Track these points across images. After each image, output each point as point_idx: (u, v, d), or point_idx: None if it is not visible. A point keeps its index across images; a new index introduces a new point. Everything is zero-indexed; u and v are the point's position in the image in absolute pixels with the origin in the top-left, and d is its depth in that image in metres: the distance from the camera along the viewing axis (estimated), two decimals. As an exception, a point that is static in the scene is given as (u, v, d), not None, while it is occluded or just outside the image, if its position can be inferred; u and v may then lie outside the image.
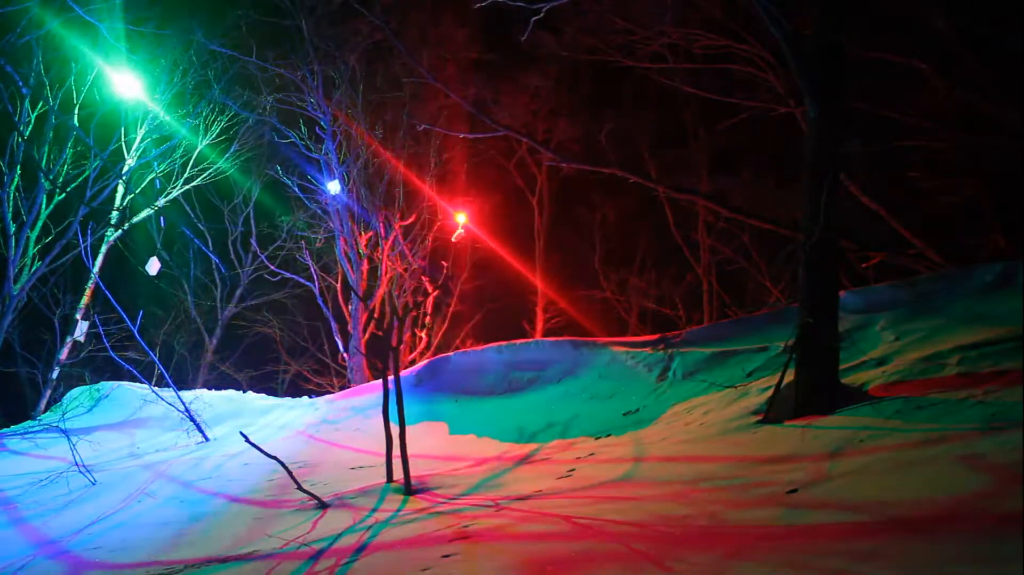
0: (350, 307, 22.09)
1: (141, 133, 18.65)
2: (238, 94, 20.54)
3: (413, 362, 21.01)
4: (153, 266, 16.00)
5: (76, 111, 17.34)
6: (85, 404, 15.58)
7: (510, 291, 27.23)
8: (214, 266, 26.15)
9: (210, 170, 20.61)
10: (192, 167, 20.06)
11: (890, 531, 3.81)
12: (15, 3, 11.82)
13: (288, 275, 24.53)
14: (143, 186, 19.53)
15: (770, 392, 7.40)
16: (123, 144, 18.53)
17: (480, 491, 7.25)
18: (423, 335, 24.14)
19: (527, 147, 25.45)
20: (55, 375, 18.25)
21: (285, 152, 21.83)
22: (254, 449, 8.13)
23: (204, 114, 19.70)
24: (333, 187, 20.81)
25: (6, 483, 10.53)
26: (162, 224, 21.56)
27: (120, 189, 18.79)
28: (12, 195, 16.79)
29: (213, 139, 20.09)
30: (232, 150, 21.00)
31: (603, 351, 11.53)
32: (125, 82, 14.80)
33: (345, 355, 22.14)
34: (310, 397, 15.54)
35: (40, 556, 7.03)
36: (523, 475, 7.68)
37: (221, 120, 20.05)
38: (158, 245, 23.83)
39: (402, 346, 13.37)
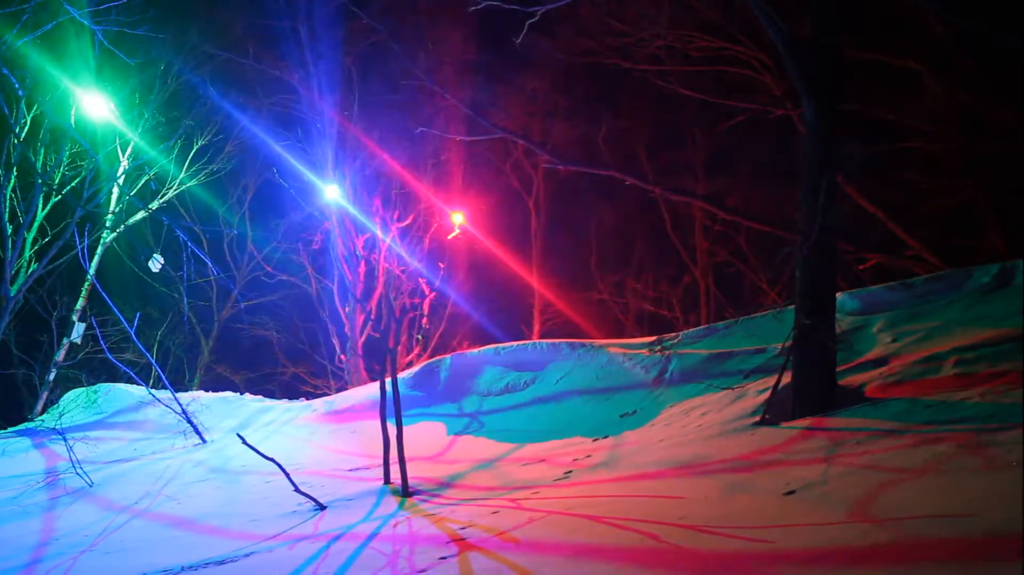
0: (347, 309, 22.05)
1: (136, 135, 18.64)
2: (234, 96, 20.56)
3: (410, 364, 20.98)
4: (156, 264, 16.06)
5: (72, 113, 17.31)
6: (82, 406, 15.55)
7: (507, 293, 27.24)
8: (209, 268, 26.10)
9: (204, 171, 20.64)
10: (187, 169, 20.08)
11: (888, 533, 3.81)
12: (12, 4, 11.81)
13: (285, 276, 24.47)
14: (139, 186, 19.54)
15: (767, 394, 7.40)
16: (118, 146, 18.53)
17: (477, 493, 7.25)
18: (419, 338, 24.10)
19: (523, 149, 25.46)
20: (52, 377, 18.20)
21: (281, 153, 21.81)
22: (251, 451, 8.12)
23: (199, 116, 19.74)
24: (331, 192, 20.78)
25: (4, 484, 10.51)
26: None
27: (115, 191, 18.78)
28: (9, 197, 16.76)
29: (208, 139, 20.12)
30: (225, 151, 21.04)
31: (600, 353, 11.52)
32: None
33: (342, 357, 22.10)
34: (307, 399, 15.52)
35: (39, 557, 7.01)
36: (520, 477, 7.68)
37: (216, 122, 20.11)
38: (157, 251, 23.78)
39: (399, 348, 13.36)
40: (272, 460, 7.98)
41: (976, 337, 7.31)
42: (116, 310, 13.78)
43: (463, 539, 5.30)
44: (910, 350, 7.83)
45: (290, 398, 16.41)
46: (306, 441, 11.78)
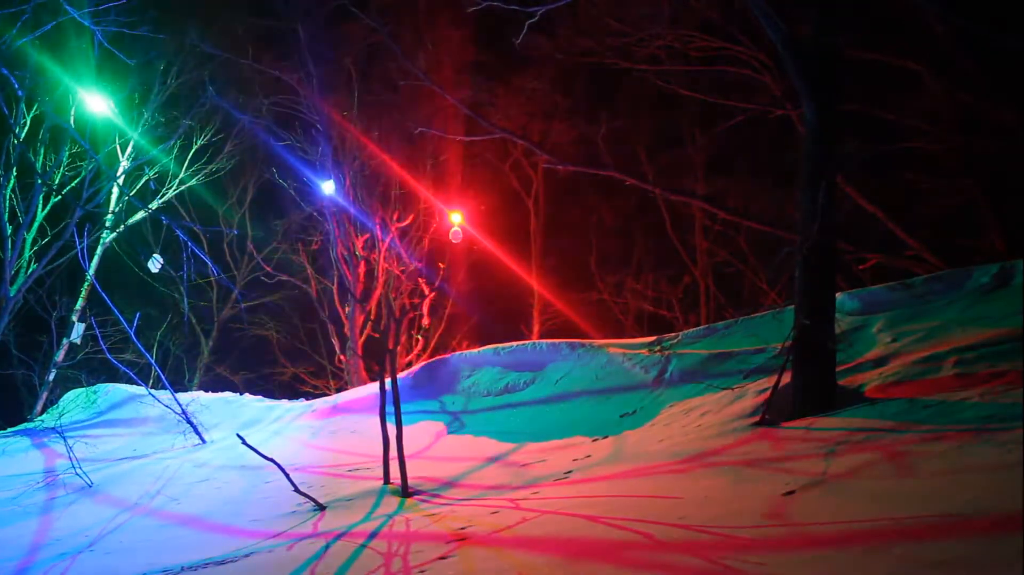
0: (347, 309, 22.06)
1: (135, 136, 18.67)
2: (233, 96, 20.58)
3: (410, 364, 20.97)
4: (156, 264, 16.10)
5: (72, 113, 17.32)
6: (82, 406, 15.55)
7: (507, 293, 27.20)
8: (209, 268, 26.06)
9: (203, 171, 20.67)
10: (186, 169, 20.11)
11: (887, 533, 3.81)
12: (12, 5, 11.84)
13: (285, 276, 24.48)
14: (139, 187, 19.57)
15: (767, 394, 7.40)
16: (117, 147, 18.55)
17: (477, 492, 7.24)
18: (419, 337, 24.10)
19: (523, 149, 25.43)
20: (51, 377, 18.21)
21: (280, 154, 21.83)
22: (251, 451, 8.12)
23: (199, 116, 19.76)
24: (328, 187, 20.83)
25: (4, 484, 10.51)
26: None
27: (115, 191, 18.80)
28: (8, 197, 16.78)
29: (207, 139, 20.15)
30: (225, 151, 21.08)
31: (600, 353, 11.52)
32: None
33: (342, 357, 22.11)
34: (307, 399, 15.51)
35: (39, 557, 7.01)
36: (520, 477, 7.68)
37: (215, 122, 20.14)
38: (157, 251, 23.78)
39: (399, 348, 13.35)
40: (272, 460, 7.98)
41: (976, 337, 7.30)
42: (116, 310, 13.79)
43: (463, 539, 5.30)
44: (910, 350, 7.83)
45: (290, 398, 16.41)
46: (306, 441, 11.78)
